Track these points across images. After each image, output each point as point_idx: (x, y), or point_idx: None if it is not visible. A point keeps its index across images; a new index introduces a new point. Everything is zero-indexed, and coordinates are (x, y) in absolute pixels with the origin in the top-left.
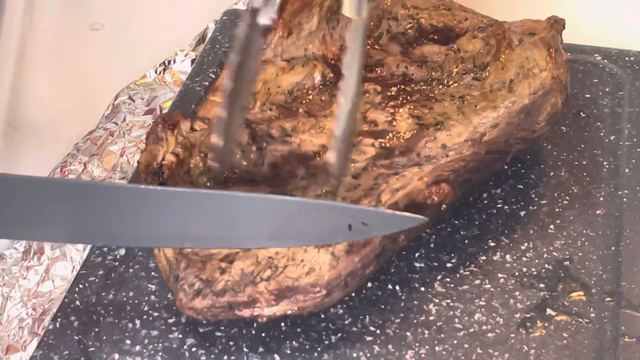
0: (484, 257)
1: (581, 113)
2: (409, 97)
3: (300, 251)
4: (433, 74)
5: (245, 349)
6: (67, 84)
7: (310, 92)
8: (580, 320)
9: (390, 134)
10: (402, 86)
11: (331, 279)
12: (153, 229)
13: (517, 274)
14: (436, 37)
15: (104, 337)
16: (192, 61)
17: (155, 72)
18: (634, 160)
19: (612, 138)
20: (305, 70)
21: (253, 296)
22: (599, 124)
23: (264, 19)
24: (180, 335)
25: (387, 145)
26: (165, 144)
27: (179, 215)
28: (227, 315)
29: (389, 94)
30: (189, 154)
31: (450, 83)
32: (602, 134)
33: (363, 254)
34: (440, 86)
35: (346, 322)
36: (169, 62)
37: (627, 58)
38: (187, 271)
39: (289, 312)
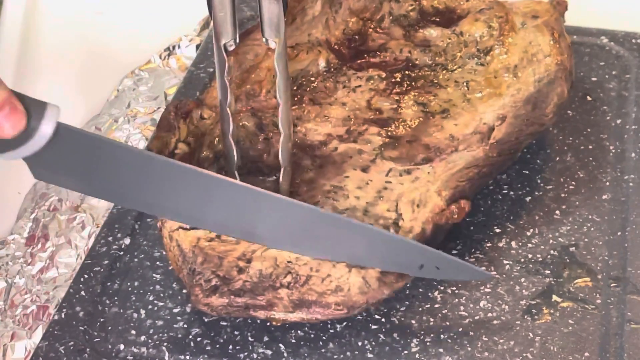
0: (489, 244)
1: (587, 97)
2: (413, 83)
3: (327, 265)
4: (437, 58)
5: (250, 339)
6: (72, 69)
7: (314, 79)
8: (586, 306)
9: (396, 122)
10: (406, 72)
11: (357, 302)
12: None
13: (522, 260)
14: (438, 19)
15: (109, 328)
16: (197, 47)
17: (160, 58)
18: None
19: (618, 122)
20: (309, 57)
21: (272, 301)
22: (605, 107)
23: (225, 39)
24: (185, 325)
25: (394, 133)
26: (177, 133)
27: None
28: (240, 314)
29: (393, 80)
30: (200, 144)
31: (454, 68)
32: (608, 118)
33: (394, 287)
34: (444, 71)
35: None
36: (174, 47)
37: (634, 40)
38: (204, 266)
39: (304, 320)
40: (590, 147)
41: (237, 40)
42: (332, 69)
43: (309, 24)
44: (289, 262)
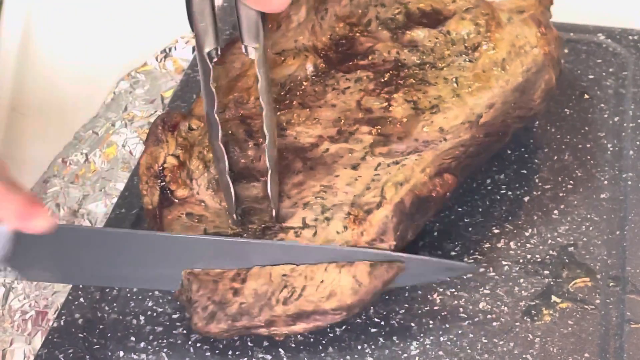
0: (487, 245)
1: (585, 95)
2: (402, 82)
3: (320, 270)
4: (425, 58)
5: (249, 344)
6: (70, 70)
7: (303, 83)
8: (585, 306)
9: (387, 121)
10: (395, 72)
11: (353, 303)
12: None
13: (521, 261)
14: (425, 21)
15: (109, 334)
16: (193, 48)
17: (157, 60)
18: (638, 142)
19: (616, 119)
20: (296, 62)
21: (270, 320)
22: (602, 105)
23: (208, 48)
24: (185, 331)
25: (384, 131)
26: (166, 146)
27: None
28: (244, 334)
29: (382, 80)
30: (189, 155)
31: (443, 66)
32: (606, 116)
33: (385, 278)
34: (432, 70)
35: None
36: (170, 49)
37: (630, 37)
38: (199, 293)
39: (306, 330)
40: (588, 145)
41: (220, 51)
42: (321, 73)
43: (294, 30)
44: (283, 275)
